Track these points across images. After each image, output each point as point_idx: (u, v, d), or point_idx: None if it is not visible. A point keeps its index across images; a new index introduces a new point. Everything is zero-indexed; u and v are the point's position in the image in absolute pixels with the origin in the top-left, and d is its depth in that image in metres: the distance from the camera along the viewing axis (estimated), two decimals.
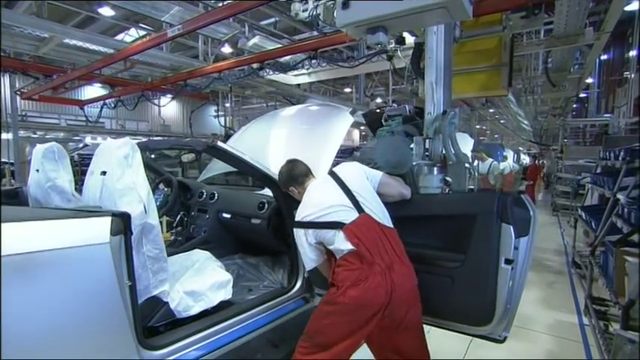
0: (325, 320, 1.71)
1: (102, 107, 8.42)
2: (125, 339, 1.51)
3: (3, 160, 10.82)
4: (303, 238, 1.83)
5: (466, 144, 7.45)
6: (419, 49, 2.58)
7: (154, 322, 1.84)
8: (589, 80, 8.70)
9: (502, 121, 13.94)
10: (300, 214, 1.84)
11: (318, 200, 1.82)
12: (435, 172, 2.03)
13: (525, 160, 17.78)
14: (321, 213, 1.76)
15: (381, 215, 1.79)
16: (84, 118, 10.23)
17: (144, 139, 17.46)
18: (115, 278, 1.43)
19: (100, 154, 1.92)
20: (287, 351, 2.72)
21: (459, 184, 1.85)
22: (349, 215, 1.72)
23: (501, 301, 1.70)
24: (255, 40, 4.67)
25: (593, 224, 3.72)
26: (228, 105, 11.03)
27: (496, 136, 24.18)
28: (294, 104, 9.10)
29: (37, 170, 2.24)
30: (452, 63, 2.27)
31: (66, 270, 1.31)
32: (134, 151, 1.82)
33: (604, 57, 10.73)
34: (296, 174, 1.98)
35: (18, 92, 7.65)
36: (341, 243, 1.70)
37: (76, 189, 2.41)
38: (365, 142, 20.13)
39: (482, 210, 1.72)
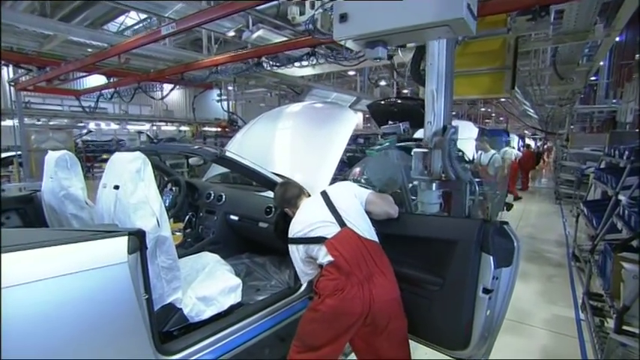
0: (310, 326, 1.87)
1: (98, 98, 8.42)
2: (143, 347, 1.62)
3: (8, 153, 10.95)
4: (296, 254, 1.97)
5: (470, 132, 7.40)
6: (419, 54, 2.55)
7: (169, 327, 1.94)
8: (600, 63, 8.43)
9: (506, 107, 13.76)
10: (292, 231, 1.98)
11: (306, 218, 1.95)
12: (434, 188, 2.04)
13: (531, 145, 17.61)
14: (307, 229, 1.89)
15: (364, 229, 1.87)
16: (87, 104, 10.25)
17: (147, 125, 17.37)
18: (133, 292, 1.52)
19: (112, 167, 1.98)
20: None
21: (460, 201, 1.88)
22: (332, 230, 1.84)
23: (478, 328, 1.71)
24: (259, 32, 4.60)
25: (594, 222, 3.75)
26: (231, 89, 10.96)
27: (501, 118, 23.89)
28: (297, 93, 9.06)
29: (51, 178, 2.31)
30: (454, 70, 2.24)
31: (89, 289, 1.39)
32: (145, 164, 1.88)
33: (616, 39, 10.40)
34: (288, 197, 2.12)
35: (12, 83, 7.62)
36: (323, 256, 1.82)
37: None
38: (369, 125, 20.00)
39: (463, 237, 1.71)
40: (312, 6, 2.51)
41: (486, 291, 1.65)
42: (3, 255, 1.22)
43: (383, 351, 1.86)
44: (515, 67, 2.79)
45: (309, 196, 2.18)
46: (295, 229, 1.96)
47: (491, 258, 1.62)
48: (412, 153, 2.10)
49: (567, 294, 3.91)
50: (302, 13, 2.64)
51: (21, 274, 1.24)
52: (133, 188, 1.81)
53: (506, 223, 1.74)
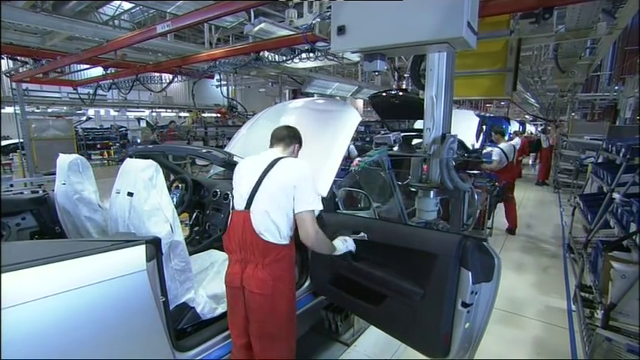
0: None
1: (96, 89, 8.42)
2: (162, 345, 1.74)
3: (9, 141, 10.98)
4: None
5: (471, 121, 7.40)
6: (418, 60, 2.56)
7: (183, 324, 2.07)
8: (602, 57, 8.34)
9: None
10: (236, 169, 2.03)
11: (241, 175, 1.97)
12: (431, 196, 2.09)
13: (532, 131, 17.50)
14: (235, 186, 1.97)
15: (262, 223, 1.79)
16: (86, 91, 10.20)
17: (146, 111, 17.26)
18: (151, 296, 1.64)
19: (125, 174, 2.06)
20: (297, 336, 3.02)
21: (458, 210, 1.94)
22: (240, 203, 1.88)
23: (457, 340, 1.75)
24: (261, 25, 4.57)
25: (589, 217, 3.86)
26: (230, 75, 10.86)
27: (502, 103, 23.67)
28: (299, 83, 9.02)
29: (64, 183, 2.40)
30: (454, 76, 2.25)
31: (113, 296, 1.50)
32: (157, 172, 1.96)
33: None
34: (273, 134, 2.06)
35: (8, 74, 7.62)
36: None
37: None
38: (369, 109, 19.88)
39: (443, 252, 1.74)
40: (310, 7, 2.50)
41: (465, 305, 1.69)
42: (33, 268, 1.33)
43: (254, 344, 1.93)
44: (517, 69, 2.80)
45: (296, 148, 2.09)
46: (234, 175, 2.01)
47: (470, 273, 1.66)
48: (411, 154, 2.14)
49: (561, 285, 4.04)
50: (300, 15, 2.64)
51: (49, 286, 1.34)
52: (147, 195, 1.89)
53: (486, 240, 1.77)
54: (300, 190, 1.81)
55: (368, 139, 12.08)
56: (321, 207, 1.87)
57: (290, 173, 1.84)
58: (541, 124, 17.71)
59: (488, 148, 5.60)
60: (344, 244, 2.04)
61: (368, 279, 2.12)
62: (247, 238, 1.83)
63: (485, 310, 1.78)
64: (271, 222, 1.81)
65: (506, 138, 11.42)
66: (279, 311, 1.88)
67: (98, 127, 17.91)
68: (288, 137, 2.04)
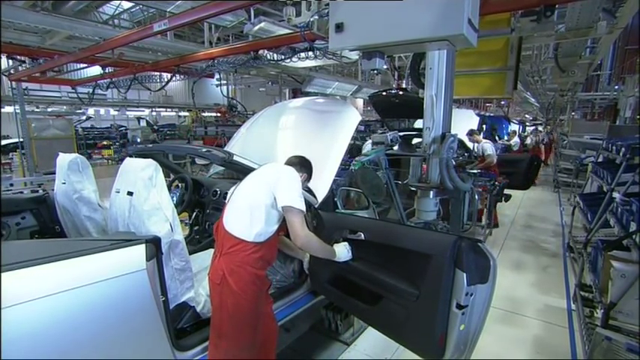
0: None
1: (94, 88, 8.40)
2: (162, 345, 1.75)
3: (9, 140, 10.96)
4: None
5: (471, 120, 7.40)
6: (418, 59, 2.55)
7: (183, 324, 2.07)
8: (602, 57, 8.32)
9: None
10: None
11: None
12: (431, 196, 2.07)
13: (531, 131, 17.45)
14: None
15: (234, 222, 1.90)
16: (86, 90, 10.17)
17: (146, 111, 17.17)
18: (151, 296, 1.64)
19: (125, 173, 2.06)
20: (297, 335, 3.03)
21: (457, 211, 1.93)
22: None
23: (452, 341, 1.73)
24: (261, 25, 4.56)
25: (589, 216, 3.85)
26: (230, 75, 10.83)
27: (502, 102, 23.65)
28: (299, 82, 9.02)
29: (64, 183, 2.39)
30: (454, 75, 2.25)
31: (113, 295, 1.50)
32: (157, 171, 1.96)
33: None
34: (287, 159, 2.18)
35: (6, 74, 7.62)
36: None
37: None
38: (369, 108, 19.88)
39: (437, 252, 1.71)
40: (309, 5, 2.49)
41: (459, 307, 1.66)
42: (33, 268, 1.33)
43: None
44: (518, 67, 2.78)
45: (304, 177, 2.11)
46: None
47: (465, 275, 1.63)
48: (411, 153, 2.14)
49: (560, 285, 4.04)
50: (298, 14, 2.63)
51: (49, 285, 1.34)
52: (146, 195, 1.89)
53: (481, 241, 1.74)
54: (281, 184, 1.86)
55: (368, 138, 12.06)
56: (303, 208, 1.84)
57: (272, 169, 1.99)
58: (541, 124, 17.71)
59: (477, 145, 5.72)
60: (347, 253, 2.07)
61: (364, 279, 2.11)
62: (220, 229, 1.95)
63: (481, 312, 1.77)
64: (239, 215, 1.91)
65: (505, 138, 11.48)
66: (225, 307, 1.86)
67: (98, 127, 17.88)
68: (299, 164, 2.09)
